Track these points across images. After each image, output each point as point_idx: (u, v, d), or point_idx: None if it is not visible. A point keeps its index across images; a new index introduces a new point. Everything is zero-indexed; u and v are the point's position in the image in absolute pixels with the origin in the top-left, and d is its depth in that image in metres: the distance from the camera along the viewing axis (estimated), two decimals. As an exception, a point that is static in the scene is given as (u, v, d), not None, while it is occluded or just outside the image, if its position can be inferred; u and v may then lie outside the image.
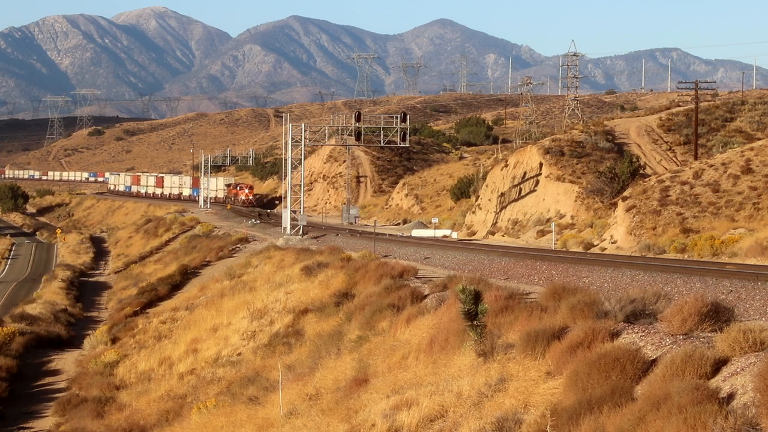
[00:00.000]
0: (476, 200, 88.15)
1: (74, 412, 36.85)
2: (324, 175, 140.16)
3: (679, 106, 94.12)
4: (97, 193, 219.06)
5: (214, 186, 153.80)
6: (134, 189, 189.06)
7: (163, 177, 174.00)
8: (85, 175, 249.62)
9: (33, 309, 64.68)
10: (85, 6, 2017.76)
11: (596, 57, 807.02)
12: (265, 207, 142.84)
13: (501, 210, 79.88)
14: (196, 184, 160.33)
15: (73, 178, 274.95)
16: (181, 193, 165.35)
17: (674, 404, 11.37)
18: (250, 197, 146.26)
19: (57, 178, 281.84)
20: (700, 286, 25.28)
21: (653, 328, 15.48)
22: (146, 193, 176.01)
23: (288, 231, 75.20)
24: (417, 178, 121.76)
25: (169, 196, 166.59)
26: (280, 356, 31.84)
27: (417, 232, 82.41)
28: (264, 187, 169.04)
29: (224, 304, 47.83)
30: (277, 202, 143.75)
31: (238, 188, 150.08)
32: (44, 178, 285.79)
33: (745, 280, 25.09)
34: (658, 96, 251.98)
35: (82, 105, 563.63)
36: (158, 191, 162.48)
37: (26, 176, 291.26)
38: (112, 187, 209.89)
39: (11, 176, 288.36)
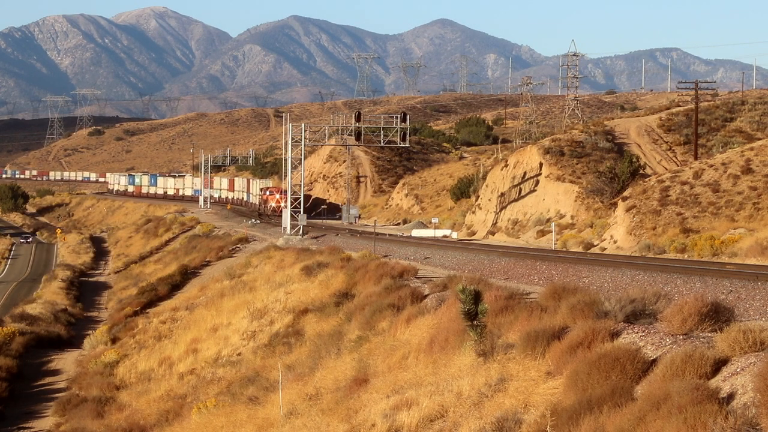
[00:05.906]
0: (476, 200, 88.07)
1: (74, 412, 36.86)
2: (324, 175, 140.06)
3: (679, 106, 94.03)
4: (97, 193, 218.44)
5: (253, 189, 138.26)
6: (205, 193, 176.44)
7: (234, 179, 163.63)
8: (146, 179, 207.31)
9: (33, 309, 64.74)
10: (85, 6, 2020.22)
11: (596, 57, 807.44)
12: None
13: (501, 210, 79.83)
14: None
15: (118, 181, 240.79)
16: (243, 198, 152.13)
17: (674, 404, 11.37)
18: (281, 204, 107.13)
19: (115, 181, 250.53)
20: (700, 286, 25.25)
21: (653, 328, 15.48)
22: (219, 198, 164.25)
23: (288, 231, 75.25)
24: (417, 178, 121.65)
25: (241, 201, 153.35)
26: (280, 356, 31.83)
27: (417, 232, 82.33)
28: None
29: (224, 304, 47.82)
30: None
31: (267, 193, 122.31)
32: (101, 180, 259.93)
33: (745, 280, 25.05)
34: (658, 96, 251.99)
35: (82, 105, 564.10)
36: (230, 195, 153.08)
37: (81, 178, 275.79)
38: (172, 192, 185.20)
39: (59, 177, 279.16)
